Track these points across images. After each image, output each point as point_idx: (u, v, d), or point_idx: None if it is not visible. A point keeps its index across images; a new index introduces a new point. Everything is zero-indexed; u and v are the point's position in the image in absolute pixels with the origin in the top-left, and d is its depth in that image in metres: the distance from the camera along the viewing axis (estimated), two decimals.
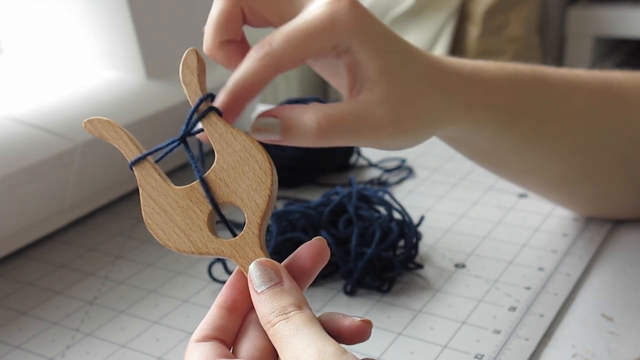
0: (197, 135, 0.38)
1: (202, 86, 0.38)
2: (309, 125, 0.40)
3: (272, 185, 0.36)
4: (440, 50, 1.74)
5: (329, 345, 0.32)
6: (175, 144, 0.38)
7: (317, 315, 0.34)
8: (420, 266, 0.60)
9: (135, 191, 0.81)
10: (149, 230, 0.37)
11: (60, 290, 0.62)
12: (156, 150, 0.38)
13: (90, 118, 0.38)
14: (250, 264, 0.35)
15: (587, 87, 0.55)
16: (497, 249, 0.62)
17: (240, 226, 0.37)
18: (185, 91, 0.38)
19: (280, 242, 0.58)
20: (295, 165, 0.76)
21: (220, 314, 0.36)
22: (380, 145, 0.45)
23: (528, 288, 0.56)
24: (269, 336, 0.34)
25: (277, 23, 0.42)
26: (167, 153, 0.39)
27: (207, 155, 0.42)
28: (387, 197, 0.67)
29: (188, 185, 0.37)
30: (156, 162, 0.38)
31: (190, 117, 0.37)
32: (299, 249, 0.37)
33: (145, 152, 0.38)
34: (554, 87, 0.54)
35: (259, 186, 0.36)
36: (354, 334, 0.35)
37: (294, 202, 0.71)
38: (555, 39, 2.13)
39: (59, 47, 0.84)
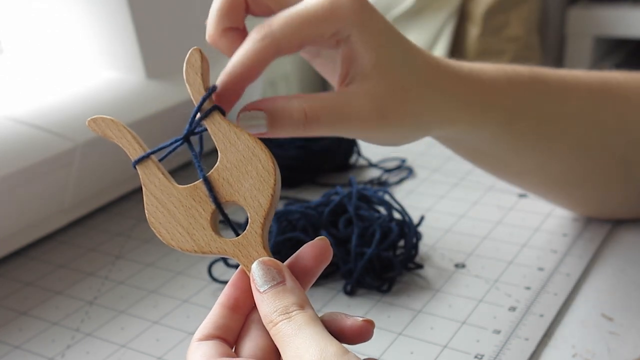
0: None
1: (206, 85, 0.38)
2: (296, 116, 0.40)
3: (275, 184, 0.36)
4: (440, 50, 1.74)
5: (331, 345, 0.32)
6: (178, 142, 0.38)
7: (319, 315, 0.35)
8: (420, 266, 0.60)
9: (136, 191, 0.81)
10: (152, 229, 0.37)
11: (60, 290, 0.62)
12: (160, 149, 0.38)
13: (94, 117, 0.38)
14: (253, 263, 0.35)
15: (585, 88, 0.55)
16: (497, 249, 0.62)
17: (243, 226, 0.37)
18: (189, 90, 0.38)
19: (280, 242, 0.58)
20: (295, 165, 0.76)
21: (222, 313, 0.36)
22: (368, 138, 0.45)
23: (528, 288, 0.56)
24: (271, 335, 0.34)
25: (279, 11, 0.42)
26: (170, 152, 0.39)
27: (210, 155, 0.42)
28: (387, 197, 0.67)
29: (191, 184, 0.37)
30: (159, 161, 0.38)
31: (194, 116, 0.37)
32: (301, 248, 0.37)
33: (148, 150, 0.38)
34: (552, 88, 0.54)
35: (262, 186, 0.36)
36: (356, 334, 0.35)
37: (294, 202, 0.71)
38: (555, 39, 2.13)
39: (59, 47, 0.84)
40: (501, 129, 0.52)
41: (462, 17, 1.77)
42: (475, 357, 0.49)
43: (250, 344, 0.35)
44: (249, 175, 0.37)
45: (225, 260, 0.61)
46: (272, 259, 0.36)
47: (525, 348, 0.49)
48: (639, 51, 2.30)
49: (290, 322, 0.33)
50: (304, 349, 0.32)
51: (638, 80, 0.58)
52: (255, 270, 0.35)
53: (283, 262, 0.36)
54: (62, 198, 0.69)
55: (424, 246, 0.63)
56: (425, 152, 0.83)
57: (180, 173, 0.78)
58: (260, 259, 0.36)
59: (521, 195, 0.71)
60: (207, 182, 0.37)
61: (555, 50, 2.14)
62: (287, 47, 0.40)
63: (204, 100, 0.37)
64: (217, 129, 0.37)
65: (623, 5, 1.98)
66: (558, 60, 2.12)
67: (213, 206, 0.37)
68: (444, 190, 0.74)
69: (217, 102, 0.39)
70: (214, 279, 0.60)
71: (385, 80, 0.43)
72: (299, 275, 0.36)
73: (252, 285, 0.35)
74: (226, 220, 0.38)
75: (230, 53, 0.41)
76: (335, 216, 0.60)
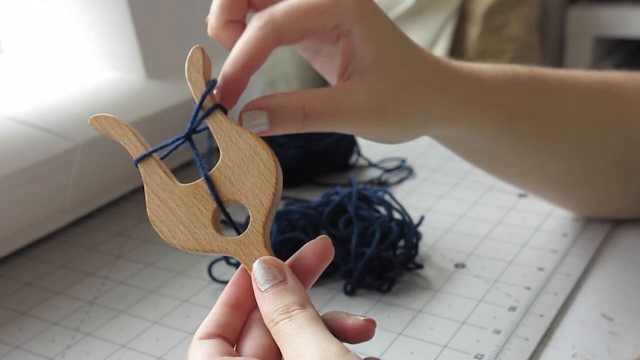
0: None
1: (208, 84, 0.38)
2: (296, 112, 0.40)
3: (276, 183, 0.36)
4: (440, 50, 1.74)
5: (332, 345, 0.32)
6: (180, 141, 0.38)
7: (320, 314, 0.35)
8: (420, 266, 0.60)
9: (136, 191, 0.81)
10: (154, 227, 0.37)
11: (60, 290, 0.62)
12: (161, 148, 0.38)
13: (96, 115, 0.38)
14: (254, 262, 0.35)
15: (585, 88, 0.56)
16: (497, 249, 0.62)
17: (243, 225, 0.37)
18: (191, 89, 0.38)
19: (280, 242, 0.58)
20: (295, 165, 0.76)
21: (224, 311, 0.36)
22: (365, 135, 0.45)
23: (528, 288, 0.56)
24: (272, 334, 0.34)
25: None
26: (172, 150, 0.39)
27: (212, 153, 0.42)
28: (387, 197, 0.67)
29: (193, 183, 0.37)
30: (161, 159, 0.38)
31: (196, 114, 0.37)
32: (303, 247, 0.37)
33: (150, 149, 0.38)
34: (552, 88, 0.54)
35: (264, 184, 0.36)
36: (358, 333, 0.35)
37: (294, 202, 0.71)
38: (555, 39, 2.13)
39: (59, 47, 0.84)
40: (501, 128, 0.52)
41: (462, 17, 1.77)
42: (475, 357, 0.49)
43: (252, 343, 0.35)
44: (250, 174, 0.37)
45: (227, 258, 0.61)
46: (274, 257, 0.36)
47: (525, 348, 0.49)
48: (639, 51, 2.30)
49: (291, 321, 0.33)
50: (304, 348, 0.32)
51: (638, 80, 0.58)
52: (257, 269, 0.35)
53: (283, 261, 0.36)
54: (62, 198, 0.69)
55: (424, 246, 0.63)
56: (425, 152, 0.83)
57: (182, 172, 0.78)
58: (261, 257, 0.36)
59: (521, 195, 0.71)
60: (209, 181, 0.37)
61: (555, 50, 2.14)
62: (288, 36, 0.40)
63: (204, 95, 0.37)
64: (218, 128, 0.37)
65: (623, 5, 1.98)
66: (558, 60, 2.12)
67: (214, 205, 0.37)
68: (444, 190, 0.74)
69: (222, 94, 0.38)
70: (214, 279, 0.60)
71: (384, 77, 0.43)
72: (301, 274, 0.36)
73: (253, 284, 0.35)
74: (227, 219, 0.38)
75: (232, 46, 0.41)
76: (335, 216, 0.60)
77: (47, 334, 0.56)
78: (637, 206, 0.62)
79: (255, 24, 0.39)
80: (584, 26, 2.04)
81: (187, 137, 0.38)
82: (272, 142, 0.62)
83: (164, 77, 0.80)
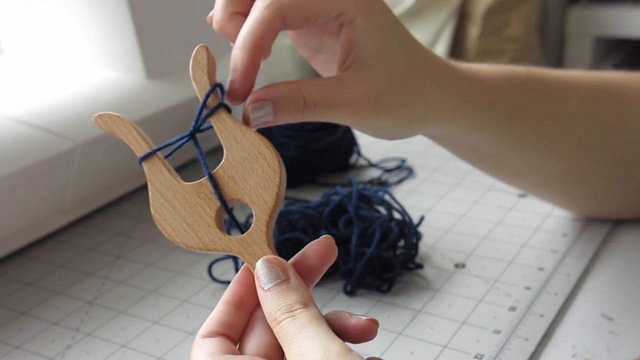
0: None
1: (212, 82, 0.38)
2: (297, 102, 0.40)
3: (280, 183, 0.36)
4: (440, 50, 1.74)
5: (335, 344, 0.32)
6: (184, 140, 0.38)
7: (322, 314, 0.35)
8: (420, 266, 0.60)
9: (136, 191, 0.81)
10: (157, 225, 0.37)
11: (60, 290, 0.62)
12: (165, 146, 0.38)
13: (100, 113, 0.38)
14: (257, 261, 0.35)
15: (585, 88, 0.56)
16: (497, 249, 0.62)
17: (246, 224, 0.37)
18: (195, 87, 0.38)
19: (280, 242, 0.58)
20: (295, 165, 0.76)
21: (227, 310, 0.36)
22: (362, 127, 0.45)
23: (528, 288, 0.56)
24: (274, 333, 0.34)
25: None
26: (176, 149, 0.39)
27: (216, 152, 0.41)
28: (387, 197, 0.67)
29: (196, 182, 0.37)
30: (165, 158, 0.38)
31: (200, 113, 0.37)
32: (306, 246, 0.37)
33: (154, 147, 0.38)
34: (552, 88, 0.54)
35: (267, 184, 0.36)
36: (360, 333, 0.35)
37: (294, 202, 0.71)
38: (555, 39, 2.13)
39: (59, 47, 0.84)
40: (501, 128, 0.52)
41: (462, 17, 1.78)
42: (475, 357, 0.49)
43: (255, 342, 0.35)
44: (254, 173, 0.37)
45: (235, 259, 0.61)
46: (277, 257, 0.36)
47: (525, 348, 0.49)
48: (639, 51, 2.30)
49: (294, 321, 0.33)
50: (307, 347, 0.32)
51: (638, 80, 0.58)
52: (260, 268, 0.35)
53: (289, 260, 0.37)
54: (62, 198, 0.69)
55: (424, 246, 0.63)
56: (425, 152, 0.83)
57: (185, 170, 0.78)
58: (264, 257, 0.36)
59: (521, 195, 0.71)
60: (213, 180, 0.37)
61: (555, 50, 2.14)
62: (293, 18, 0.40)
63: (207, 95, 0.37)
64: (222, 127, 0.37)
65: (623, 5, 1.98)
66: (558, 60, 2.12)
67: (218, 204, 0.37)
68: (444, 190, 0.74)
69: (236, 81, 0.38)
70: (214, 279, 0.60)
71: (382, 69, 0.43)
72: (304, 273, 0.36)
73: (256, 283, 0.35)
74: (231, 218, 0.38)
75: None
76: (335, 216, 0.60)
77: (47, 334, 0.56)
78: (637, 206, 0.62)
79: (260, 4, 0.39)
80: (584, 26, 2.04)
81: (191, 136, 0.38)
82: (272, 142, 0.62)
83: (164, 77, 0.80)
